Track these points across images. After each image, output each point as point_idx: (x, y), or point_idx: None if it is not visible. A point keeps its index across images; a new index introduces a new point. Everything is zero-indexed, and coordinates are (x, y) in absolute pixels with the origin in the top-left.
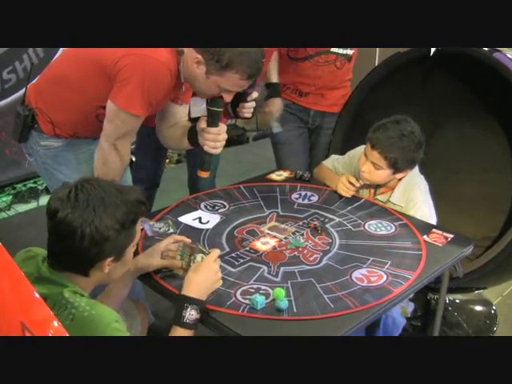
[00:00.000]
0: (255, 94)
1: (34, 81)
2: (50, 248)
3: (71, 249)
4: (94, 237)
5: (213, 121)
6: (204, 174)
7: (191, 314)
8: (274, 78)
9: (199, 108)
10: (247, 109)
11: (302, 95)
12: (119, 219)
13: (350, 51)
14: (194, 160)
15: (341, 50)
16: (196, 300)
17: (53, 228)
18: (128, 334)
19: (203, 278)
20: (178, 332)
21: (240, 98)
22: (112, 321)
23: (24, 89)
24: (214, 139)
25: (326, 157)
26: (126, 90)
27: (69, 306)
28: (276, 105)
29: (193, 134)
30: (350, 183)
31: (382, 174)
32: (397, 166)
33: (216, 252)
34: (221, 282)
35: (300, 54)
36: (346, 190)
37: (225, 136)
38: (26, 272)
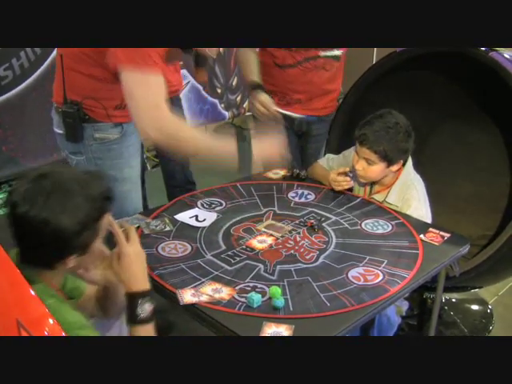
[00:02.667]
0: None
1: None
2: (15, 241)
3: (30, 246)
4: (52, 238)
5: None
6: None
7: (145, 308)
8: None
9: None
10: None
11: (290, 103)
12: (80, 220)
13: (337, 52)
14: (166, 168)
15: (328, 53)
16: (143, 292)
17: (12, 222)
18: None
19: (135, 266)
20: (139, 331)
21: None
22: (75, 328)
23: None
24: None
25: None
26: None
27: None
28: (261, 97)
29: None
30: (340, 174)
31: (377, 169)
32: (389, 158)
33: (121, 233)
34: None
35: (287, 61)
36: (339, 185)
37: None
38: None
